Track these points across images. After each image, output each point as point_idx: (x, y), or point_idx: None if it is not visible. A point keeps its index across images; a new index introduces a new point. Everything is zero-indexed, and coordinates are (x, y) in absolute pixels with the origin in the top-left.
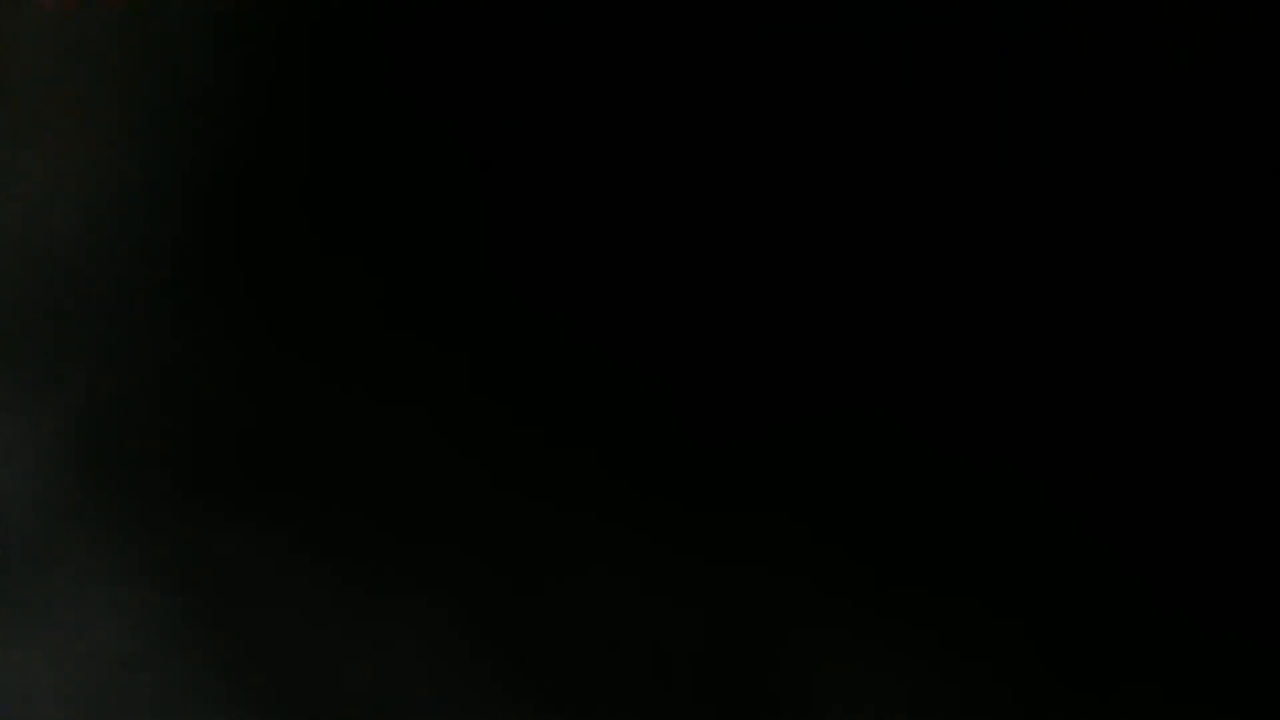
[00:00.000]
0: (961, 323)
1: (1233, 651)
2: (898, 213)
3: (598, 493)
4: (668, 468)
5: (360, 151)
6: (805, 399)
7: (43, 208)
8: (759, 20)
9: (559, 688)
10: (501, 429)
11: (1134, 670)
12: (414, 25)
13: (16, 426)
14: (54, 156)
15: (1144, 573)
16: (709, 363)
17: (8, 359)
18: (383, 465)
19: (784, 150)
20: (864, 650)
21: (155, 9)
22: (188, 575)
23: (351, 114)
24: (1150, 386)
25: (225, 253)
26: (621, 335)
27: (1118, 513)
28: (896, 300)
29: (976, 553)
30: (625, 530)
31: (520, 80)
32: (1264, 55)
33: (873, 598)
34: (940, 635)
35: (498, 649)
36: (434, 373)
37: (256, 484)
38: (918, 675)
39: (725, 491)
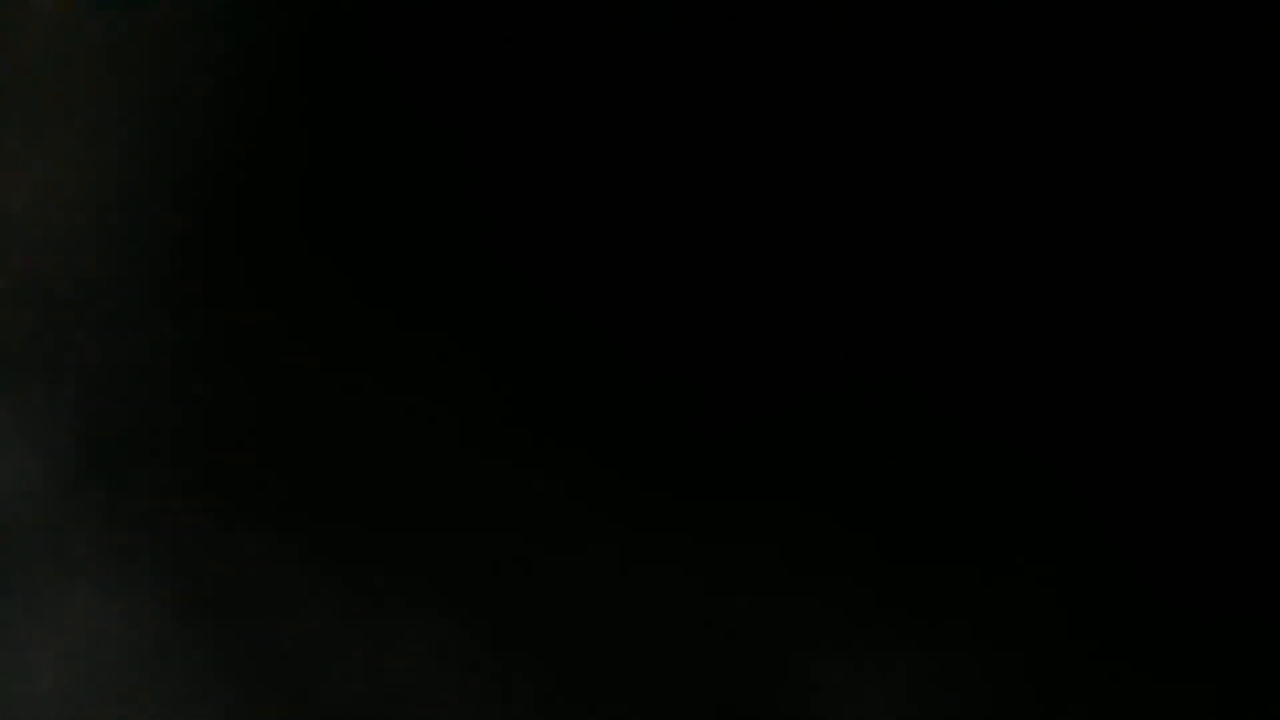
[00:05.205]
0: (968, 310)
1: (1239, 644)
2: (905, 194)
3: (604, 493)
4: (672, 462)
5: (362, 148)
6: (806, 384)
7: (45, 205)
8: (760, 12)
9: (565, 691)
10: (508, 426)
11: (1146, 666)
12: (412, 23)
13: (18, 424)
14: (56, 154)
15: (1164, 565)
16: (710, 351)
17: (9, 356)
18: (388, 464)
19: (781, 130)
20: (875, 641)
21: (154, 9)
22: (191, 573)
23: (351, 111)
24: (1171, 379)
25: (228, 249)
26: (624, 330)
27: (1138, 506)
28: (895, 293)
29: (988, 542)
30: (633, 531)
31: (518, 74)
32: (1264, 55)
33: (882, 587)
34: (952, 625)
35: (502, 652)
36: (438, 371)
37: (260, 482)
38: (930, 667)
39: (729, 481)
